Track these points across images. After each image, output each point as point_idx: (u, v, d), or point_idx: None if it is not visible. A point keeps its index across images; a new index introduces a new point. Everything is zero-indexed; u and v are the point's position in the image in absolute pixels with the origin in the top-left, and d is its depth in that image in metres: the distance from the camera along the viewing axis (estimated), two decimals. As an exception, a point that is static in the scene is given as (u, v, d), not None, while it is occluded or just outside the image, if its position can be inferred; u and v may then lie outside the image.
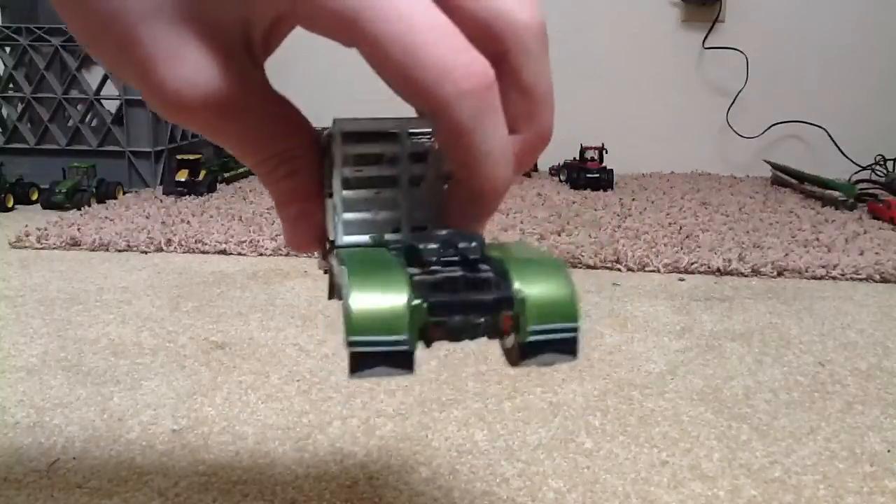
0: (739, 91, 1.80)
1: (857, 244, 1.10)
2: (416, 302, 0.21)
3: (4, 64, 1.55)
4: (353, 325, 0.21)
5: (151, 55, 0.23)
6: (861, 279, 0.96)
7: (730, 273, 0.97)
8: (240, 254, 1.04)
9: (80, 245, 1.06)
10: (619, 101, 1.86)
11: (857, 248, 1.07)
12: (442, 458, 0.50)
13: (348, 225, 0.26)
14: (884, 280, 0.96)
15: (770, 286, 0.93)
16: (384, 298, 0.21)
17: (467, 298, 0.22)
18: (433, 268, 0.22)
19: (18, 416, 0.54)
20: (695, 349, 0.71)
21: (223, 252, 1.04)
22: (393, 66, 0.22)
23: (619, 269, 0.99)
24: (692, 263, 0.99)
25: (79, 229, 1.11)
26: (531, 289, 0.22)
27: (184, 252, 1.05)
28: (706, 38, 1.81)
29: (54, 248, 1.06)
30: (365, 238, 0.26)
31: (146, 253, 1.04)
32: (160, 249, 1.05)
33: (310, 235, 0.27)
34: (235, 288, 0.88)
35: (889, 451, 0.52)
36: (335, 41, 0.24)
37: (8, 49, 1.52)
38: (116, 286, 0.89)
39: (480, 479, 0.47)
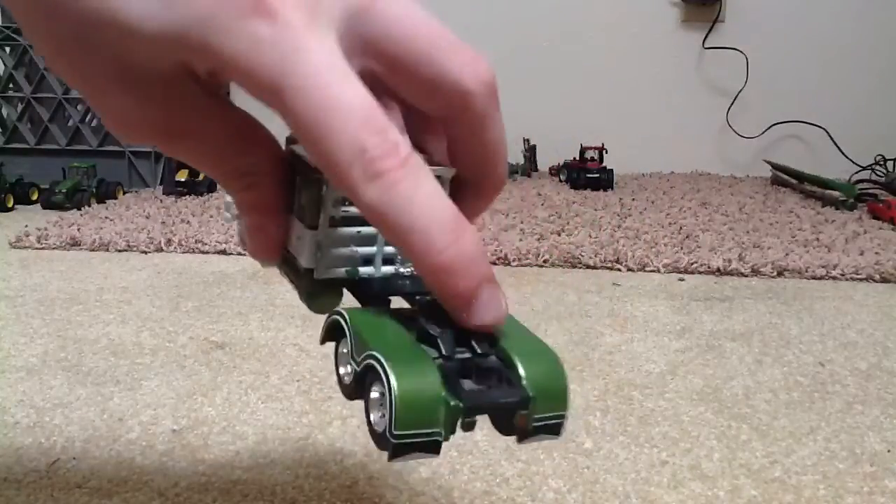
0: (739, 91, 1.80)
1: (857, 244, 1.10)
2: (454, 403, 0.23)
3: (4, 64, 1.55)
4: (400, 421, 0.23)
5: (89, 96, 0.25)
6: (861, 279, 0.96)
7: (730, 273, 0.97)
8: (240, 254, 1.04)
9: (80, 245, 1.06)
10: (619, 101, 1.86)
11: (857, 248, 1.07)
12: (442, 458, 0.50)
13: (330, 260, 0.28)
14: (884, 280, 0.96)
15: (770, 286, 0.93)
16: (425, 395, 0.23)
17: (497, 402, 0.24)
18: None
19: (18, 416, 0.54)
20: (695, 349, 0.71)
21: (223, 252, 1.04)
22: (309, 143, 0.23)
23: (619, 269, 0.99)
24: (692, 263, 0.99)
25: (79, 229, 1.11)
26: (539, 386, 0.24)
27: (184, 252, 1.05)
28: (706, 38, 1.81)
29: (54, 248, 1.06)
30: (341, 271, 0.29)
31: (146, 253, 1.04)
32: (160, 249, 1.05)
33: (267, 246, 0.29)
34: (235, 288, 0.88)
35: (889, 451, 0.52)
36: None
37: (8, 49, 1.52)
38: (116, 286, 0.89)
39: (480, 479, 0.47)
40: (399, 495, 0.46)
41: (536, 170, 1.77)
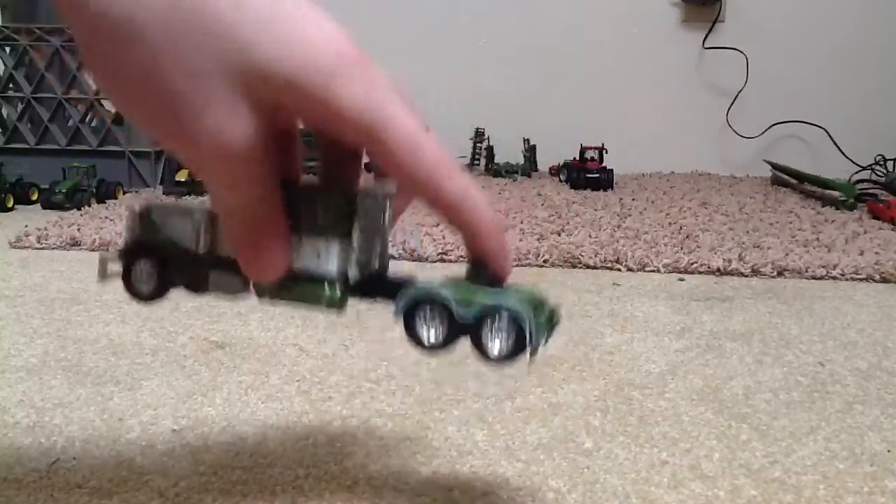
0: (739, 91, 1.80)
1: (857, 244, 1.10)
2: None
3: (4, 64, 1.55)
4: (534, 336, 0.34)
5: (209, 104, 0.28)
6: (861, 279, 0.96)
7: (730, 273, 0.97)
8: (240, 254, 1.04)
9: (80, 245, 1.06)
10: (619, 102, 1.86)
11: (857, 248, 1.07)
12: (442, 458, 0.50)
13: (360, 263, 0.35)
14: (884, 280, 0.96)
15: (770, 286, 0.93)
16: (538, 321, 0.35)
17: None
18: None
19: (18, 416, 0.54)
20: (695, 349, 0.71)
21: (223, 252, 1.04)
22: (406, 159, 0.31)
23: (619, 269, 0.99)
24: (692, 263, 0.99)
25: (79, 229, 1.11)
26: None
27: (184, 252, 1.05)
28: (706, 38, 1.81)
29: (54, 248, 1.06)
30: (368, 271, 0.35)
31: (146, 253, 1.04)
32: (160, 249, 1.05)
33: (278, 264, 0.34)
34: (235, 288, 0.88)
35: (889, 451, 0.52)
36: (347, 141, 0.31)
37: (8, 49, 1.52)
38: (116, 286, 0.89)
39: (480, 479, 0.47)
40: (399, 495, 0.46)
41: (536, 170, 1.77)
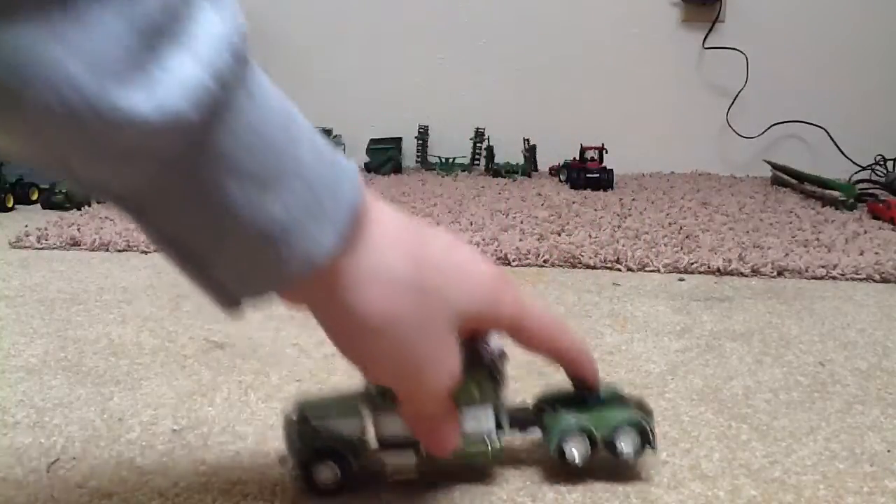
0: (739, 91, 1.80)
1: (857, 244, 1.10)
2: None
3: (4, 64, 1.55)
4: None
5: (446, 356, 0.39)
6: (861, 279, 0.96)
7: (730, 273, 0.97)
8: (240, 254, 1.04)
9: (80, 245, 1.06)
10: (619, 101, 1.86)
11: (857, 248, 1.08)
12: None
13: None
14: (884, 280, 0.96)
15: (770, 286, 0.93)
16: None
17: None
18: None
19: (18, 416, 0.55)
20: (695, 349, 0.71)
21: (223, 252, 1.04)
22: (547, 342, 0.46)
23: (619, 269, 0.99)
24: (692, 263, 0.99)
25: (79, 229, 1.11)
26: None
27: (184, 252, 1.05)
28: (706, 38, 1.81)
29: (54, 248, 1.06)
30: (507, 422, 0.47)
31: (146, 253, 1.04)
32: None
33: (454, 438, 0.44)
34: (235, 288, 0.88)
35: (889, 451, 0.52)
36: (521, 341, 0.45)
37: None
38: (116, 286, 0.89)
39: (481, 480, 0.47)
40: (399, 495, 0.46)
41: (536, 170, 1.77)
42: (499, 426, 0.45)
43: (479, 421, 0.44)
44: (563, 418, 0.46)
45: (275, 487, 0.46)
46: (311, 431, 0.45)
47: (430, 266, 0.38)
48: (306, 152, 0.32)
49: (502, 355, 0.45)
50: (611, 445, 0.46)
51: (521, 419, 0.47)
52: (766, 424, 0.56)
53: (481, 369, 0.44)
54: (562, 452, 0.46)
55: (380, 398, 0.44)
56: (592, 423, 0.46)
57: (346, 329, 0.36)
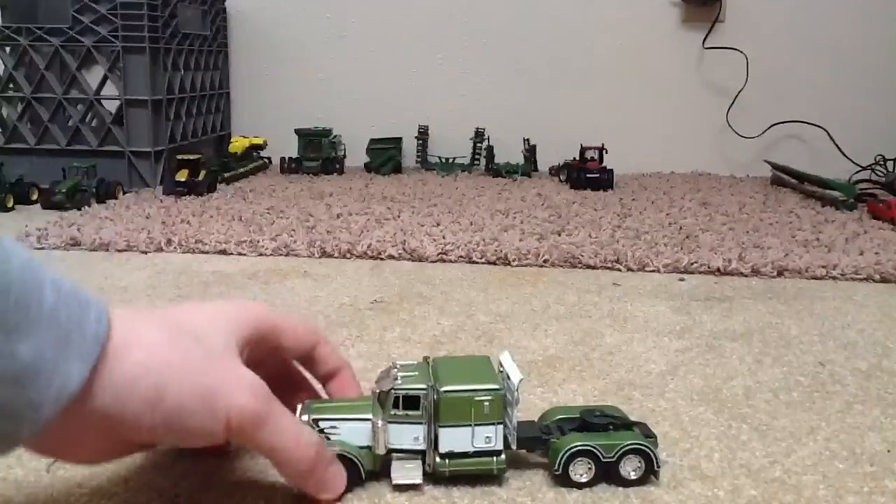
0: (739, 91, 1.80)
1: (857, 244, 1.10)
2: None
3: (4, 64, 1.54)
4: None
5: (232, 372, 0.43)
6: (861, 279, 0.96)
7: (730, 273, 0.97)
8: (240, 254, 1.04)
9: (80, 245, 1.06)
10: (619, 101, 1.86)
11: (857, 248, 1.08)
12: (442, 458, 0.50)
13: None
14: (884, 280, 0.96)
15: (770, 286, 0.93)
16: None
17: None
18: None
19: (18, 416, 0.54)
20: (695, 349, 0.71)
21: (223, 252, 1.04)
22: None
23: (619, 269, 0.99)
24: (692, 263, 0.99)
25: (79, 229, 1.11)
26: None
27: (184, 252, 1.05)
28: (706, 38, 1.81)
29: (54, 248, 1.06)
30: (514, 439, 0.48)
31: (146, 253, 1.04)
32: (160, 249, 1.05)
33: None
34: (235, 288, 0.88)
35: (889, 451, 0.52)
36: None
37: (8, 49, 1.52)
38: (116, 286, 0.89)
39: (480, 479, 0.47)
40: (399, 495, 0.46)
41: (536, 170, 1.77)
42: (507, 446, 0.47)
43: (489, 439, 0.46)
44: (569, 440, 0.47)
45: (275, 487, 0.46)
46: (320, 435, 0.46)
47: (179, 322, 0.43)
48: (49, 296, 0.36)
49: (520, 381, 0.46)
50: (615, 469, 0.47)
51: (528, 439, 0.48)
52: (766, 424, 0.56)
53: (493, 392, 0.46)
54: (566, 473, 0.46)
55: (389, 407, 0.45)
56: (598, 446, 0.47)
57: (120, 422, 0.38)
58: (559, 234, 1.13)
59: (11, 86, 1.54)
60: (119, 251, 1.05)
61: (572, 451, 0.46)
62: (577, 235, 1.13)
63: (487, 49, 1.86)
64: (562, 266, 1.00)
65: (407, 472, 0.46)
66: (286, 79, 1.89)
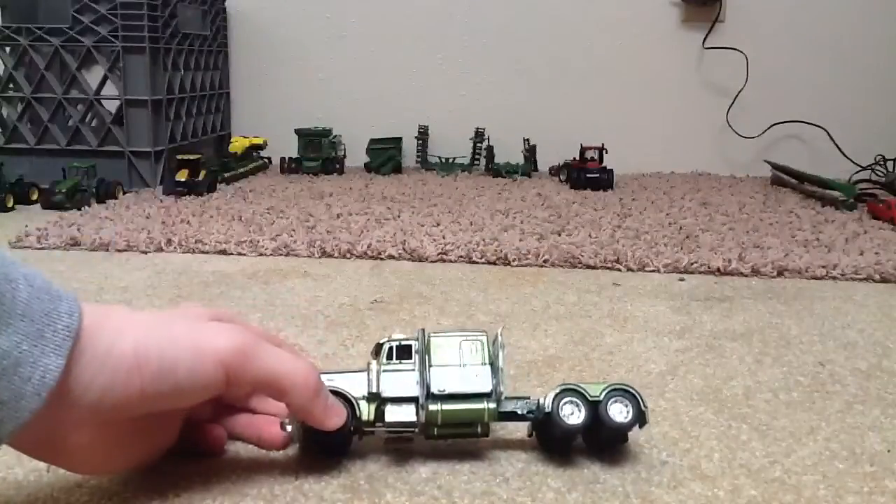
0: (739, 91, 1.80)
1: (857, 244, 1.10)
2: None
3: (4, 64, 1.54)
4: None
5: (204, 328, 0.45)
6: (861, 279, 0.96)
7: (730, 273, 0.97)
8: (240, 254, 1.04)
9: (80, 245, 1.06)
10: (619, 101, 1.86)
11: (857, 248, 1.08)
12: (442, 457, 0.50)
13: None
14: (884, 280, 0.96)
15: (770, 286, 0.93)
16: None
17: None
18: None
19: (18, 416, 0.54)
20: (695, 349, 0.71)
21: (223, 252, 1.04)
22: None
23: (619, 269, 0.99)
24: (692, 263, 0.99)
25: (79, 229, 1.11)
26: None
27: (184, 252, 1.05)
28: (706, 38, 1.81)
29: (54, 248, 1.06)
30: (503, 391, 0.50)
31: (146, 253, 1.04)
32: (160, 249, 1.05)
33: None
34: (235, 288, 0.88)
35: (889, 451, 0.52)
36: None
37: (8, 49, 1.52)
38: (116, 286, 0.89)
39: (480, 479, 0.47)
40: (399, 495, 0.46)
41: (536, 170, 1.77)
42: (496, 392, 0.49)
43: (477, 377, 0.48)
44: (558, 386, 0.49)
45: (275, 487, 0.46)
46: None
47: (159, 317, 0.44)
48: (23, 290, 0.37)
49: (501, 329, 0.50)
50: (604, 412, 0.48)
51: (516, 398, 0.50)
52: (766, 424, 0.56)
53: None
54: (557, 413, 0.48)
55: (383, 359, 0.49)
56: (583, 386, 0.49)
57: (109, 398, 0.39)
58: (559, 234, 1.13)
59: (11, 86, 1.54)
60: (119, 251, 1.05)
61: (559, 389, 0.48)
62: (577, 235, 1.13)
63: (487, 49, 1.86)
64: (562, 266, 1.00)
65: (400, 412, 0.48)
66: (286, 79, 1.89)
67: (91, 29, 1.47)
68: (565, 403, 0.48)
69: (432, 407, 0.48)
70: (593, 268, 0.99)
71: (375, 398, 0.48)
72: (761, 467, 0.49)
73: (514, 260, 1.01)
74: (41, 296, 0.38)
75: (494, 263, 1.01)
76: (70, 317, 0.38)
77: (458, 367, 0.49)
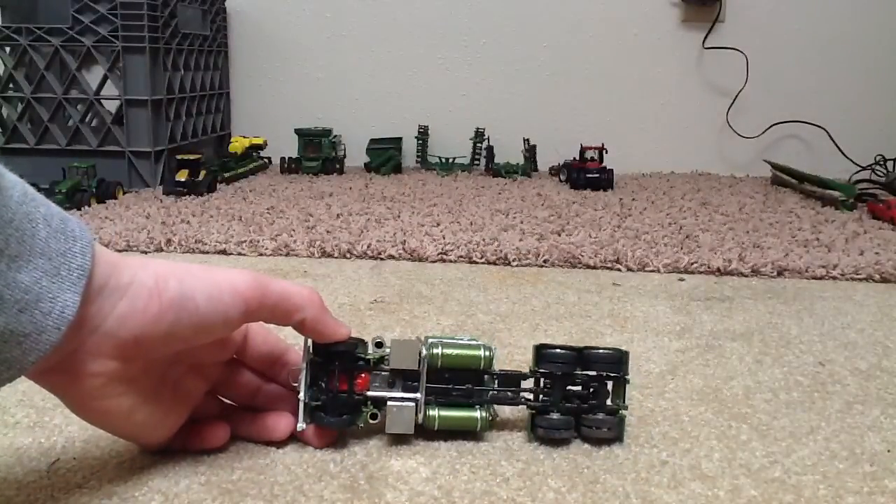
0: (739, 91, 1.80)
1: (857, 244, 1.10)
2: None
3: (4, 64, 1.54)
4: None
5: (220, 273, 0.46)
6: (861, 279, 0.96)
7: (730, 273, 0.97)
8: (240, 254, 1.04)
9: (80, 245, 1.06)
10: (619, 101, 1.86)
11: (857, 248, 1.08)
12: (442, 457, 0.50)
13: None
14: (884, 280, 0.96)
15: (770, 286, 0.93)
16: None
17: None
18: None
19: (18, 416, 0.55)
20: (695, 349, 0.71)
21: (223, 252, 1.04)
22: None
23: (619, 269, 0.99)
24: (692, 263, 0.99)
25: (79, 229, 1.11)
26: None
27: (184, 252, 1.05)
28: (706, 38, 1.81)
29: (54, 248, 1.06)
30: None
31: (146, 253, 1.04)
32: (160, 249, 1.05)
33: None
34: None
35: (889, 451, 0.52)
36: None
37: (8, 49, 1.52)
38: (116, 286, 0.88)
39: (480, 479, 0.47)
40: (399, 495, 0.46)
41: (536, 170, 1.77)
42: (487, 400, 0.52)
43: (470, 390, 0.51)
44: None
45: (275, 487, 0.46)
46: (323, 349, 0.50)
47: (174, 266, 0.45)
48: (42, 229, 0.39)
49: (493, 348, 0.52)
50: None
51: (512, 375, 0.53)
52: (766, 424, 0.56)
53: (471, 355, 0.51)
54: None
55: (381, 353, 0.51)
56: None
57: (130, 326, 0.42)
58: (559, 234, 1.13)
59: (11, 86, 1.54)
60: (119, 251, 1.05)
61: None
62: (577, 235, 1.13)
63: (487, 49, 1.86)
64: (562, 266, 1.00)
65: (402, 406, 0.50)
66: (286, 79, 1.89)
67: (91, 29, 1.47)
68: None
69: (435, 351, 0.50)
70: (593, 268, 0.99)
71: (380, 345, 0.51)
72: (761, 467, 0.49)
73: (514, 260, 1.01)
74: (58, 235, 0.39)
75: (494, 263, 1.01)
76: (83, 256, 0.40)
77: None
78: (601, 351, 0.52)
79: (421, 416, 0.50)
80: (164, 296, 0.42)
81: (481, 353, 0.51)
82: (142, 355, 0.43)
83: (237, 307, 0.44)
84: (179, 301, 0.42)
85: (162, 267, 0.43)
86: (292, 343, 0.53)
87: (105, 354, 0.41)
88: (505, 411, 0.55)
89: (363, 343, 0.51)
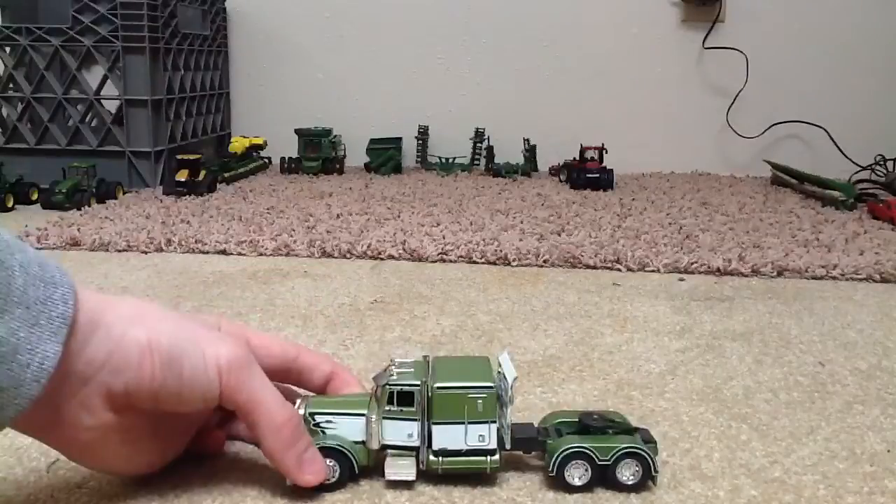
0: (739, 91, 1.80)
1: (857, 244, 1.10)
2: None
3: (4, 64, 1.54)
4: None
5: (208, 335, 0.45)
6: (861, 279, 0.96)
7: (730, 273, 0.97)
8: (240, 254, 1.04)
9: (80, 245, 1.06)
10: (619, 101, 1.86)
11: (857, 248, 1.07)
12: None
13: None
14: (884, 280, 0.96)
15: (770, 286, 0.93)
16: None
17: None
18: None
19: (18, 416, 0.54)
20: (695, 349, 0.71)
21: (223, 252, 1.04)
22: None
23: (619, 269, 0.99)
24: (692, 263, 0.99)
25: (79, 229, 1.11)
26: None
27: (184, 252, 1.05)
28: (706, 38, 1.81)
29: (54, 248, 1.06)
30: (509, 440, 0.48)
31: (146, 253, 1.04)
32: (160, 249, 1.05)
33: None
34: (235, 288, 0.88)
35: (889, 451, 0.52)
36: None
37: (8, 49, 1.52)
38: (116, 286, 0.89)
39: (481, 479, 0.47)
40: (399, 495, 0.46)
41: (536, 170, 1.77)
42: (501, 446, 0.46)
43: (483, 438, 0.46)
44: (564, 441, 0.47)
45: (275, 487, 0.46)
46: (315, 429, 0.46)
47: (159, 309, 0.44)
48: (18, 276, 0.37)
49: (514, 379, 0.46)
50: (611, 473, 0.46)
51: (523, 440, 0.48)
52: (766, 424, 0.56)
53: (488, 390, 0.46)
54: (562, 476, 0.46)
55: (384, 403, 0.46)
56: (593, 448, 0.46)
57: (120, 381, 0.40)
58: (559, 234, 1.13)
59: (11, 86, 1.54)
60: (119, 251, 1.05)
61: (567, 452, 0.46)
62: (577, 235, 1.13)
63: (487, 49, 1.86)
64: (562, 266, 1.00)
65: (400, 468, 0.46)
66: (286, 79, 1.89)
67: (91, 29, 1.47)
68: (573, 467, 0.46)
69: (432, 459, 0.46)
70: (593, 268, 0.99)
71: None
72: (761, 467, 0.49)
73: (514, 260, 1.01)
74: (36, 283, 0.38)
75: (494, 263, 1.01)
76: (65, 304, 0.38)
77: (462, 426, 0.46)
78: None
79: (423, 460, 0.47)
80: (156, 357, 0.40)
81: (487, 463, 0.46)
82: (133, 407, 0.41)
83: (213, 388, 0.42)
84: (168, 365, 0.41)
85: (153, 322, 0.42)
86: (298, 336, 0.53)
87: (99, 406, 0.40)
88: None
89: (350, 454, 0.46)
